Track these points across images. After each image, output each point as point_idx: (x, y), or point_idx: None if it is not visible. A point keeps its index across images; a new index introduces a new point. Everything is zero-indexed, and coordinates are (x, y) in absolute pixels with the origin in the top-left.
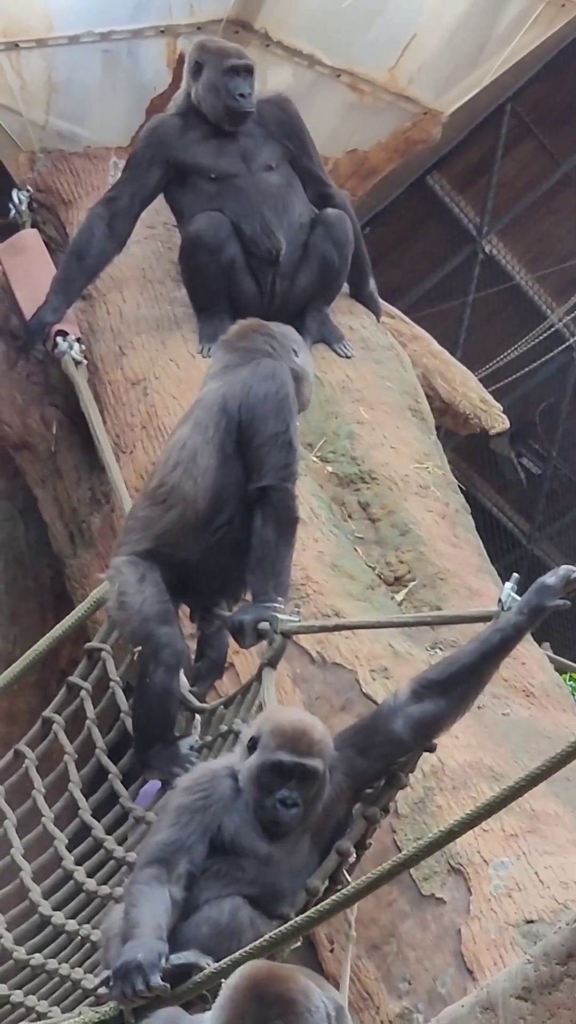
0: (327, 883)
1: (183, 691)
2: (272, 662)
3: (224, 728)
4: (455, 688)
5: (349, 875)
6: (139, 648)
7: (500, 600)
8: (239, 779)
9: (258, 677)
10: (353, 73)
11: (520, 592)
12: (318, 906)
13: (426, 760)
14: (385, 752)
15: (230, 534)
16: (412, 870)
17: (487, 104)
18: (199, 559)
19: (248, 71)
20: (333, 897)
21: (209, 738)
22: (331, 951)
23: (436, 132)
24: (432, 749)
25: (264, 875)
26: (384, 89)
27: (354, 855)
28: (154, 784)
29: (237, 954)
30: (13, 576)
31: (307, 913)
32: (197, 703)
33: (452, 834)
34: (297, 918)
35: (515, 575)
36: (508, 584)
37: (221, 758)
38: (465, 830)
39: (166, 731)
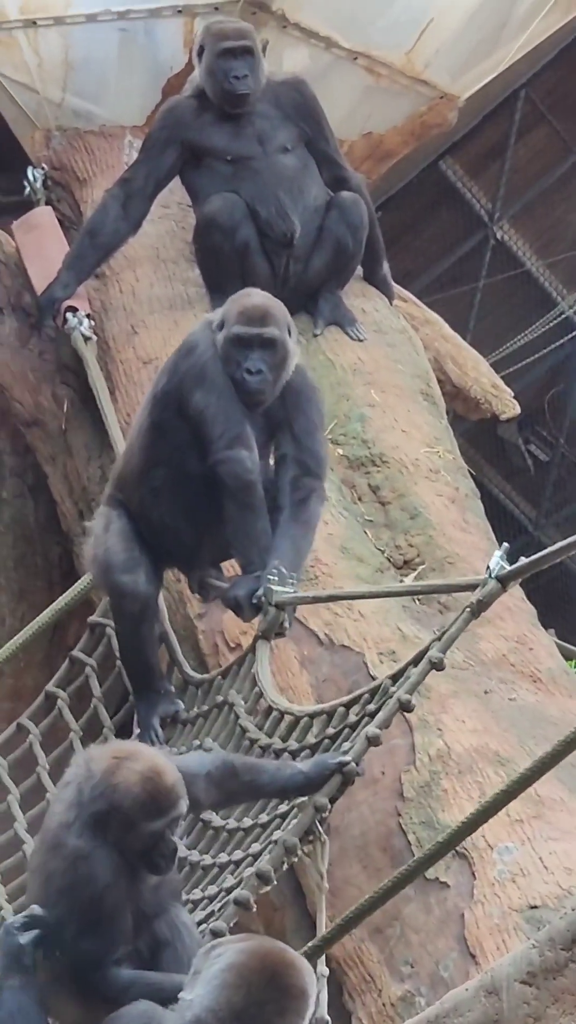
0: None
1: (180, 660)
2: (266, 634)
3: (220, 699)
4: (238, 795)
5: (321, 826)
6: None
7: (488, 567)
8: None
9: (252, 649)
10: (370, 56)
11: (511, 561)
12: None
13: (432, 744)
14: None
15: (164, 493)
16: (416, 854)
17: (501, 90)
18: (139, 510)
19: (244, 52)
20: (355, 907)
21: (205, 708)
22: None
23: (452, 116)
24: (410, 708)
25: None
26: (401, 72)
27: (329, 809)
28: None
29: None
30: (22, 553)
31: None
32: (194, 674)
33: (468, 826)
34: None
35: (504, 544)
36: (497, 552)
37: None
38: (482, 821)
39: (149, 678)
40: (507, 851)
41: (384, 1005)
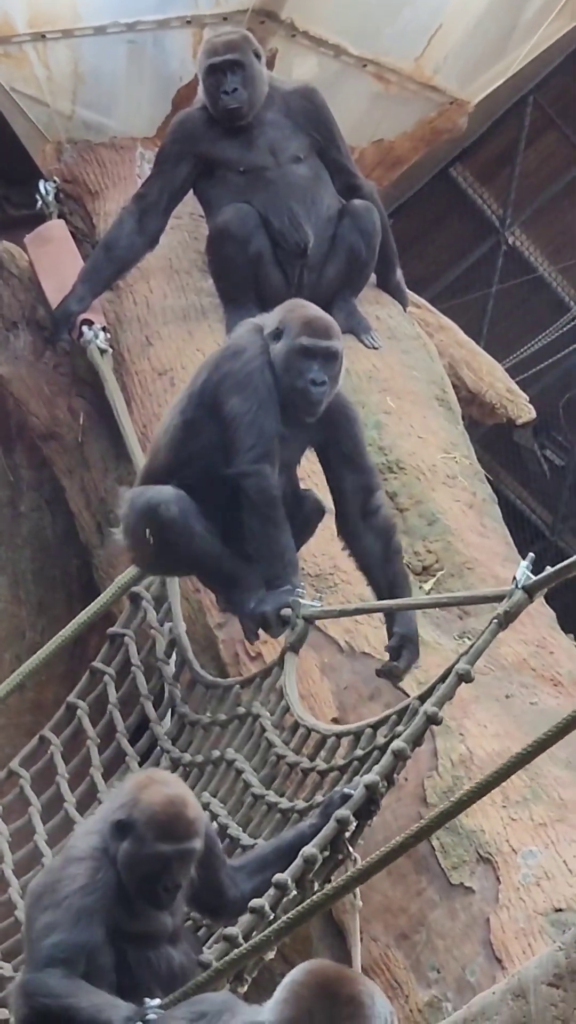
0: (327, 852)
1: (191, 658)
2: (294, 647)
3: (242, 710)
4: (269, 869)
5: (351, 846)
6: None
7: (515, 578)
8: None
9: (280, 662)
10: (379, 63)
11: (536, 571)
12: (328, 886)
13: (454, 749)
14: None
15: (191, 494)
16: (441, 859)
17: (510, 96)
18: None
19: (232, 65)
20: (349, 873)
21: (223, 717)
22: (361, 940)
23: (462, 122)
24: (438, 721)
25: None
26: (410, 79)
27: (354, 824)
28: None
29: (254, 940)
30: (40, 566)
31: (316, 896)
32: (209, 677)
33: (462, 803)
34: (315, 896)
35: (530, 554)
36: (523, 563)
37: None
38: (474, 800)
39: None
40: (531, 855)
41: (411, 1011)
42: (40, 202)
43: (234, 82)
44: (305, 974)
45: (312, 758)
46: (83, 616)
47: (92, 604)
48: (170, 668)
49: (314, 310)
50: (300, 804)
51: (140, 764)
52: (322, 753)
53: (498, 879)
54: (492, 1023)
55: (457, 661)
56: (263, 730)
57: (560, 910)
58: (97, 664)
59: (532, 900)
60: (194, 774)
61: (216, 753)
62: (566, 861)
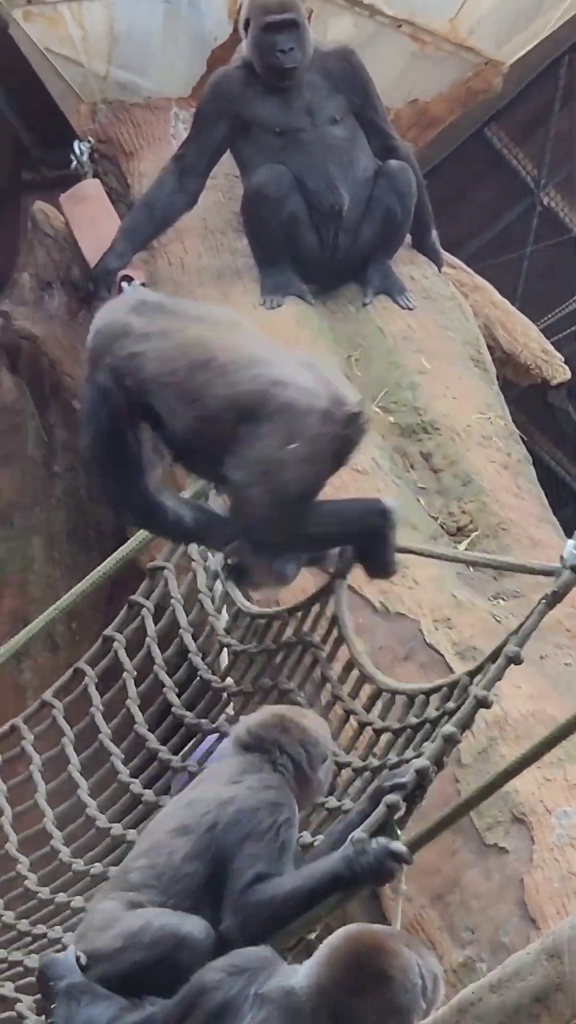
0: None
1: (240, 596)
2: (341, 573)
3: (293, 638)
4: None
5: (401, 828)
6: None
7: (562, 557)
8: None
9: (328, 589)
10: (414, 23)
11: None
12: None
13: (489, 711)
14: None
15: None
16: (475, 819)
17: (544, 57)
18: None
19: (290, 25)
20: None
21: (272, 646)
22: (393, 901)
23: (497, 82)
24: (488, 705)
25: None
26: (445, 39)
27: (403, 808)
28: (209, 740)
29: (299, 920)
30: (75, 526)
31: None
32: (255, 608)
33: (509, 774)
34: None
35: None
36: (571, 541)
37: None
38: (521, 768)
39: None
40: (565, 815)
41: (445, 971)
42: (75, 162)
43: (290, 41)
44: (342, 940)
45: (368, 709)
46: (122, 551)
47: (130, 540)
48: (211, 600)
49: None
50: (356, 763)
51: (178, 695)
52: (377, 707)
53: (532, 839)
54: (526, 983)
55: (506, 642)
56: (315, 661)
57: None
58: (136, 598)
59: (567, 860)
60: (238, 702)
61: (267, 682)
62: None
